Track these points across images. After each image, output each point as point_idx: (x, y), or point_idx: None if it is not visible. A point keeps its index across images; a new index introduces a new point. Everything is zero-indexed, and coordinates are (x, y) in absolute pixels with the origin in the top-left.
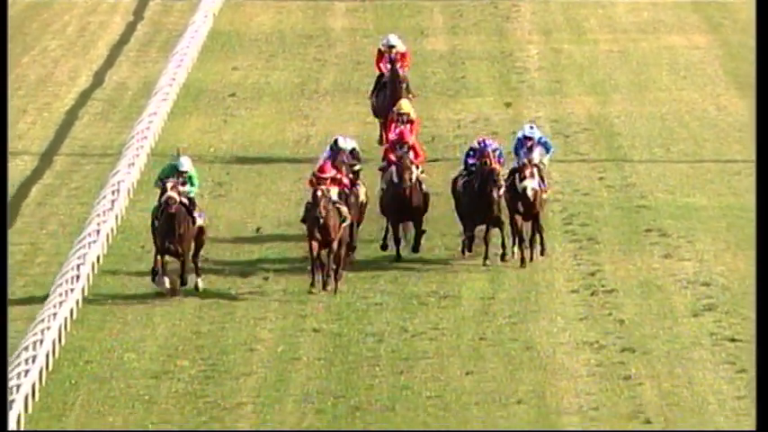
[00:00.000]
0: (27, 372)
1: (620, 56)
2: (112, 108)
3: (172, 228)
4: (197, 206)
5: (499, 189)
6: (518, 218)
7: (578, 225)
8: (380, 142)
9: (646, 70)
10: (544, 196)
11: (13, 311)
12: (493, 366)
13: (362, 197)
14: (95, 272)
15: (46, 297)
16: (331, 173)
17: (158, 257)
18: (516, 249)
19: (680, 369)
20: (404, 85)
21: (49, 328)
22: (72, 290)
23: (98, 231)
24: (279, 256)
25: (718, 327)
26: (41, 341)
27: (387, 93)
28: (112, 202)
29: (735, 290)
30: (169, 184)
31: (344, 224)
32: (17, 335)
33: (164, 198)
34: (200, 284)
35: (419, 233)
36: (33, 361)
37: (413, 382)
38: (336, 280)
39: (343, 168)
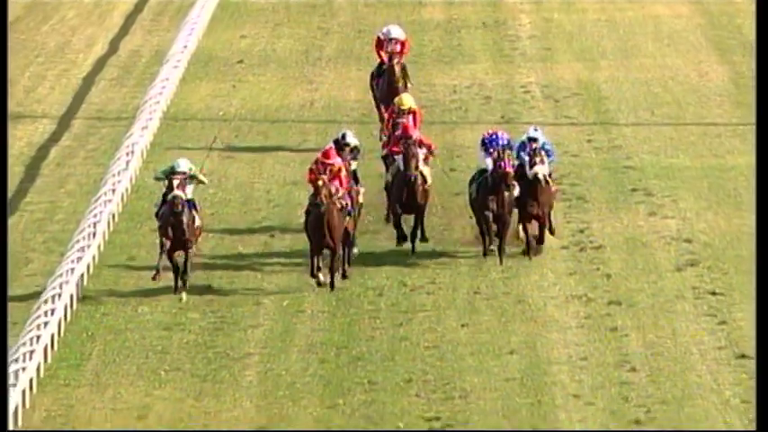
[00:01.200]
0: (46, 324)
1: (608, 24)
2: (127, 74)
3: (174, 227)
4: (197, 208)
5: (513, 188)
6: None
7: (568, 185)
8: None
9: (631, 38)
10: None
11: (32, 267)
12: (486, 319)
13: (361, 198)
14: (111, 229)
15: (64, 253)
16: (335, 160)
17: (162, 255)
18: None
19: (664, 321)
20: (399, 85)
21: (67, 282)
22: (89, 246)
23: (113, 191)
24: (284, 214)
25: (700, 281)
26: (60, 295)
27: (384, 81)
28: (127, 163)
29: (716, 246)
30: (176, 182)
31: (347, 218)
32: (37, 289)
33: (170, 196)
34: (187, 280)
35: (421, 223)
36: (52, 313)
37: (411, 334)
38: (333, 275)
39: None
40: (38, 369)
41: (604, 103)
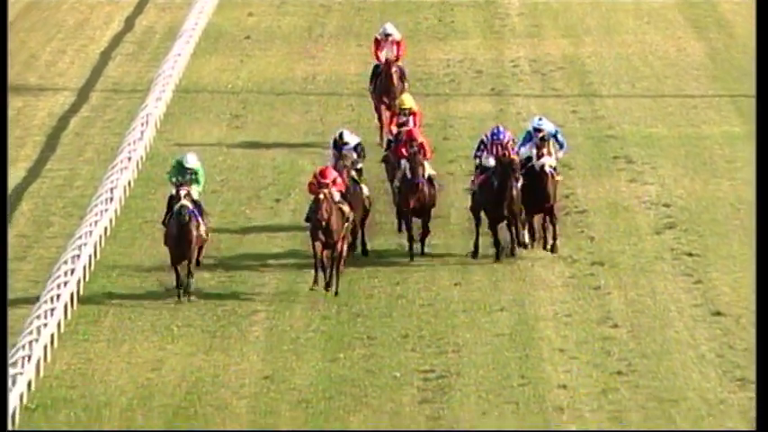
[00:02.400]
0: (66, 283)
1: (591, 3)
2: (142, 49)
3: (183, 237)
4: (204, 211)
5: (517, 182)
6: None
7: None
8: (381, 132)
9: (614, 15)
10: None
11: (53, 229)
12: (478, 278)
13: (366, 194)
14: (127, 195)
15: (83, 217)
16: (332, 177)
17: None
18: (527, 238)
19: (644, 280)
20: (396, 86)
21: (85, 245)
22: (106, 210)
23: (129, 158)
24: (289, 180)
25: (678, 243)
26: (79, 256)
27: (382, 82)
28: (142, 132)
29: (692, 210)
30: (183, 192)
31: (347, 224)
32: (57, 250)
33: (176, 207)
34: (192, 285)
35: (426, 230)
36: (72, 273)
37: (407, 292)
38: (337, 278)
39: (345, 172)
40: (58, 325)
41: (588, 77)
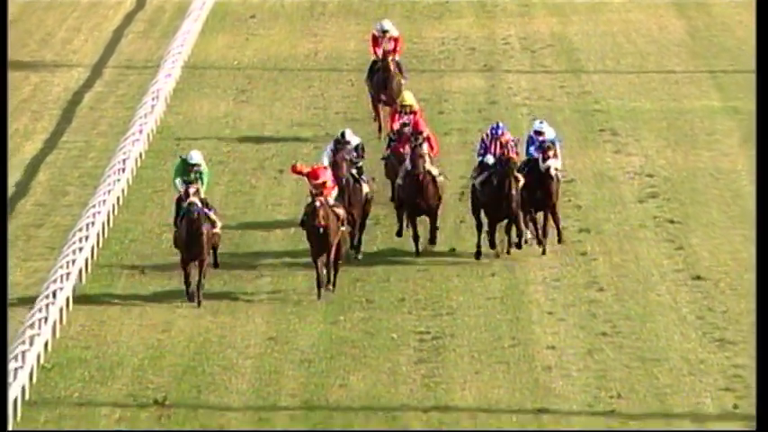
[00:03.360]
0: (81, 249)
1: None
2: (152, 27)
3: (194, 234)
4: (213, 209)
5: (518, 182)
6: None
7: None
8: (379, 129)
9: None
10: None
11: (69, 198)
12: (470, 246)
13: (366, 192)
14: (138, 165)
15: (97, 186)
16: (323, 178)
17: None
18: (530, 237)
19: (628, 246)
20: (394, 81)
21: (99, 213)
22: (119, 180)
23: (140, 131)
24: (292, 151)
25: (660, 211)
26: (93, 223)
27: (380, 77)
28: (152, 106)
29: (674, 180)
30: (192, 190)
31: (342, 228)
32: (73, 218)
33: (185, 204)
34: (203, 287)
35: (434, 226)
36: (86, 240)
37: (404, 258)
38: (335, 276)
39: (345, 166)
40: (73, 289)
41: (575, 54)
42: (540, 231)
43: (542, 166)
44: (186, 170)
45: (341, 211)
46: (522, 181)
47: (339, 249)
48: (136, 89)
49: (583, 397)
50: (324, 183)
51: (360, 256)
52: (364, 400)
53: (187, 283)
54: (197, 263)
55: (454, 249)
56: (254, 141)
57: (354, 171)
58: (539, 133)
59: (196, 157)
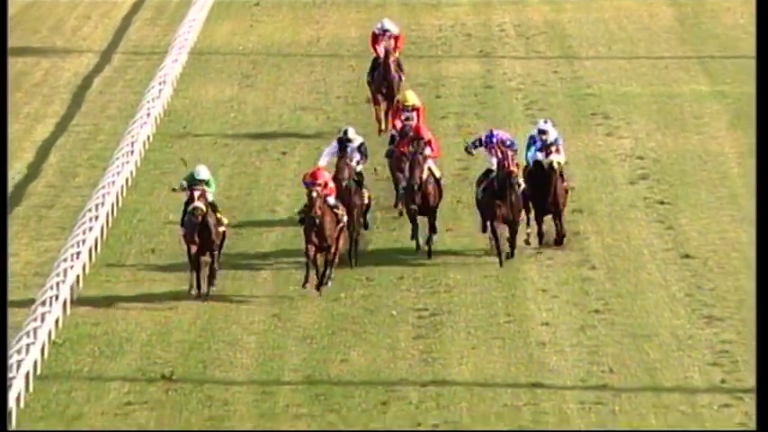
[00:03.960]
0: (91, 228)
1: None
2: (160, 15)
3: (201, 235)
4: (219, 211)
5: (519, 187)
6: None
7: (537, 110)
8: (379, 130)
9: None
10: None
11: (78, 180)
12: (467, 225)
13: (365, 200)
14: (146, 148)
15: (106, 168)
16: (323, 179)
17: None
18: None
19: (619, 226)
20: (395, 78)
21: (108, 193)
22: (127, 162)
23: (148, 114)
24: (294, 134)
25: (650, 192)
26: (102, 203)
27: (380, 74)
28: (159, 91)
29: (664, 162)
30: (197, 193)
31: (340, 226)
32: (83, 198)
33: (191, 207)
34: (213, 287)
35: (433, 227)
36: (96, 220)
37: (403, 237)
38: (330, 274)
39: (347, 171)
40: (83, 268)
41: (568, 40)
42: (541, 226)
43: (545, 161)
44: (194, 183)
45: (340, 212)
46: (522, 185)
47: (337, 248)
48: (144, 74)
49: (576, 371)
50: (323, 184)
51: (354, 262)
52: (364, 374)
53: (199, 285)
54: (206, 257)
55: (451, 229)
56: (258, 124)
57: (356, 177)
58: (542, 132)
59: (203, 172)
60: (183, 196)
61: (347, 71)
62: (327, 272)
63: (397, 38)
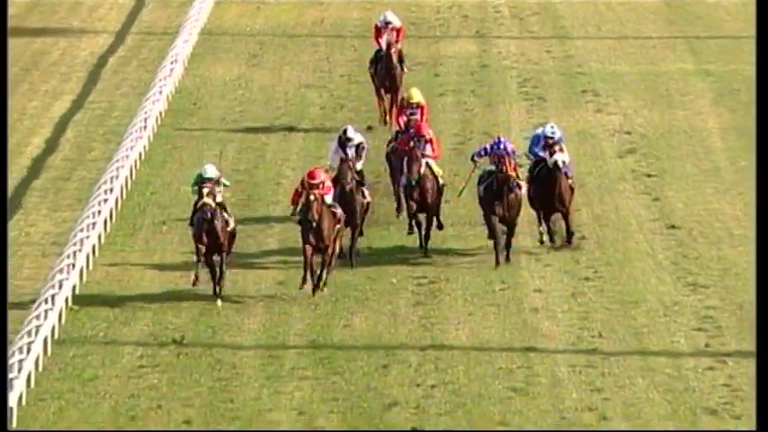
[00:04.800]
0: (105, 200)
1: None
2: None
3: (209, 232)
4: (227, 210)
5: (520, 188)
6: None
7: (531, 87)
8: (384, 121)
9: None
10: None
11: (94, 154)
12: (464, 198)
13: (367, 198)
14: (158, 124)
15: (120, 143)
16: (320, 179)
17: (199, 262)
18: (546, 238)
19: (608, 198)
20: (397, 70)
21: (122, 167)
22: (140, 137)
23: (161, 92)
24: (299, 112)
25: (638, 165)
26: (117, 176)
27: (383, 67)
28: (171, 70)
29: (650, 137)
30: (205, 190)
31: (338, 227)
32: (98, 171)
33: (199, 204)
34: (223, 287)
35: (429, 224)
36: (111, 192)
37: (403, 217)
38: (327, 275)
39: (349, 174)
40: (98, 237)
41: (560, 21)
42: (550, 226)
43: (550, 161)
44: (201, 183)
45: (338, 212)
46: (524, 188)
47: (335, 248)
48: (156, 54)
49: (567, 336)
50: (320, 183)
51: (355, 261)
52: (366, 339)
53: (214, 279)
54: (217, 257)
55: (448, 201)
56: (264, 102)
57: (356, 175)
58: (548, 138)
59: (211, 170)
60: (194, 196)
61: (350, 51)
62: (324, 275)
63: (398, 30)
